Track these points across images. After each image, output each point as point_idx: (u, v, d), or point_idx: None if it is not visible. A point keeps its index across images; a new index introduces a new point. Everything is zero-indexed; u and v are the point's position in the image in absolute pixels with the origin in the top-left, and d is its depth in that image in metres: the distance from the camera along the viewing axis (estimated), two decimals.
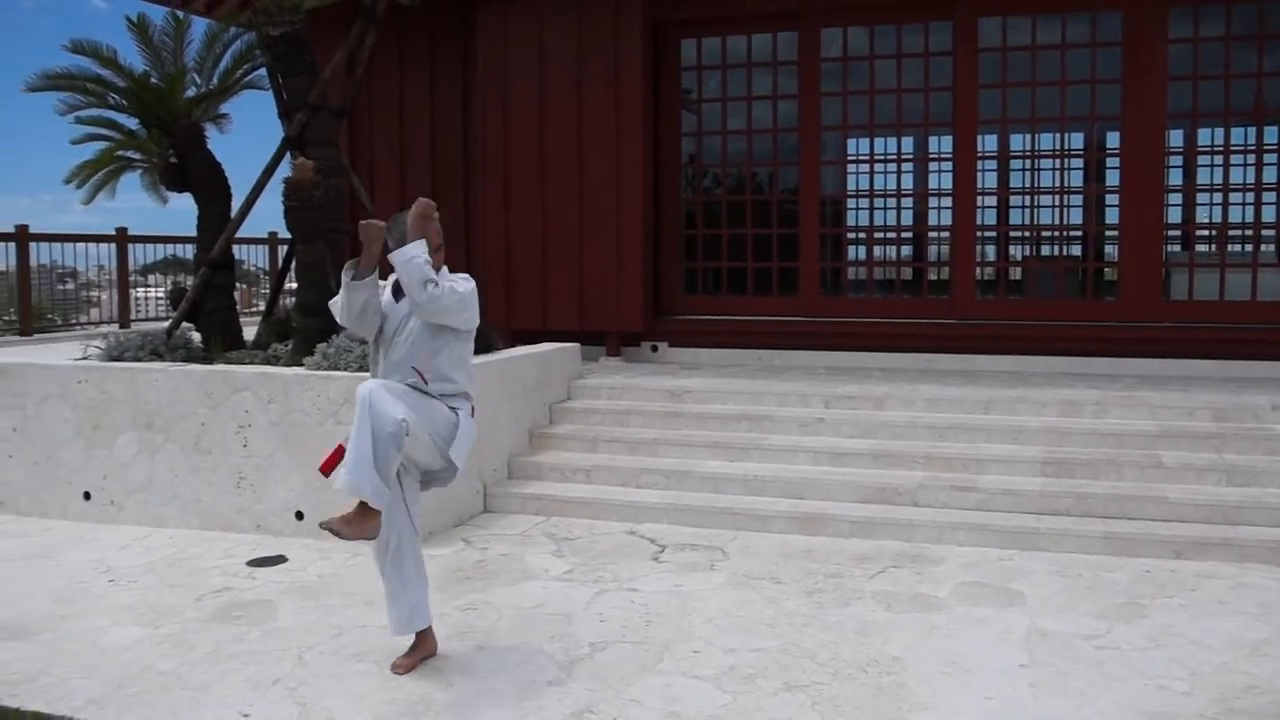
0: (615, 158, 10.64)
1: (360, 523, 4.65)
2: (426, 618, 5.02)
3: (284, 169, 8.28)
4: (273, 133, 8.65)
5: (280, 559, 6.73)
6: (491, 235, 11.00)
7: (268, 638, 5.35)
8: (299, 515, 7.18)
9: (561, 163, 10.78)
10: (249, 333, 9.25)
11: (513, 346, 9.19)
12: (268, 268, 16.72)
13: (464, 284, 4.94)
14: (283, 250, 11.75)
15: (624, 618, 5.60)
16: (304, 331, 7.88)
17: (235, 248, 9.35)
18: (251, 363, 7.92)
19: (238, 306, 9.26)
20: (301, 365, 7.45)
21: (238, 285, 9.86)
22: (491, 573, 6.39)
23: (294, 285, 8.67)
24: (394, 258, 4.73)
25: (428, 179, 11.73)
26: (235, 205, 8.88)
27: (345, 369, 7.13)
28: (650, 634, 5.37)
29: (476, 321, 5.09)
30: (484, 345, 8.49)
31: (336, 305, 4.95)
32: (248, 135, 12.22)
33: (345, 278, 4.84)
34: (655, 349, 11.06)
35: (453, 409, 4.94)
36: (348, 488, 4.54)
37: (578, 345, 9.64)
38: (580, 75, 10.68)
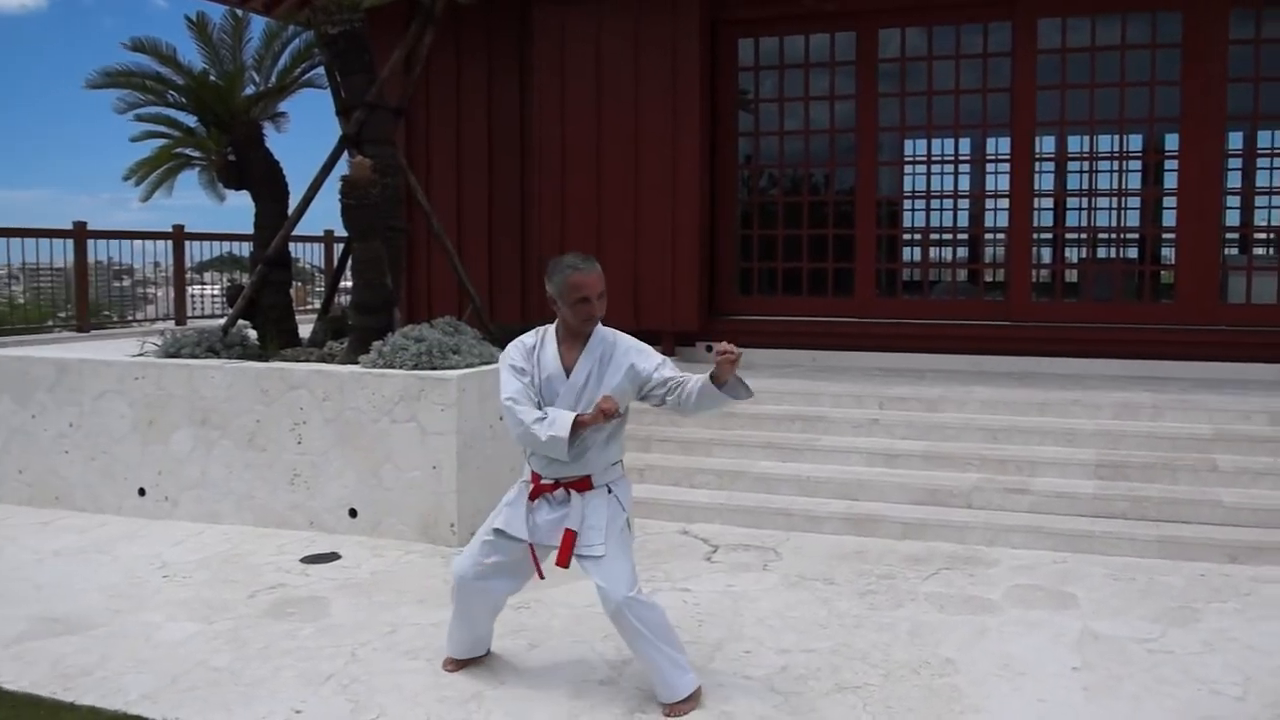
0: (671, 157, 10.65)
1: None
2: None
3: (341, 167, 8.35)
4: (330, 131, 8.74)
5: (333, 556, 6.81)
6: (547, 234, 11.04)
7: (320, 634, 5.41)
8: (352, 513, 7.26)
9: (617, 162, 10.80)
10: (304, 330, 9.34)
11: None
12: (323, 266, 16.89)
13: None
14: (339, 248, 11.87)
15: (676, 617, 5.57)
16: (360, 329, 7.97)
17: (291, 245, 9.43)
18: (307, 360, 8.00)
19: (293, 304, 9.33)
20: (357, 363, 7.53)
21: (293, 283, 9.91)
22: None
23: (350, 283, 8.77)
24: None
25: (485, 177, 11.81)
26: (292, 203, 8.96)
27: (400, 367, 7.20)
28: (702, 634, 5.40)
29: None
30: None
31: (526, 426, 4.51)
32: (306, 133, 12.38)
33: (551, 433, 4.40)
34: (709, 349, 11.05)
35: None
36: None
37: None
38: (637, 74, 10.70)
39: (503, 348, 7.96)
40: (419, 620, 5.59)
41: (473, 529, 6.99)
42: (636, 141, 10.71)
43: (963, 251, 13.49)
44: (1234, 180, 12.64)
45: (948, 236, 13.66)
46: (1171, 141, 10.56)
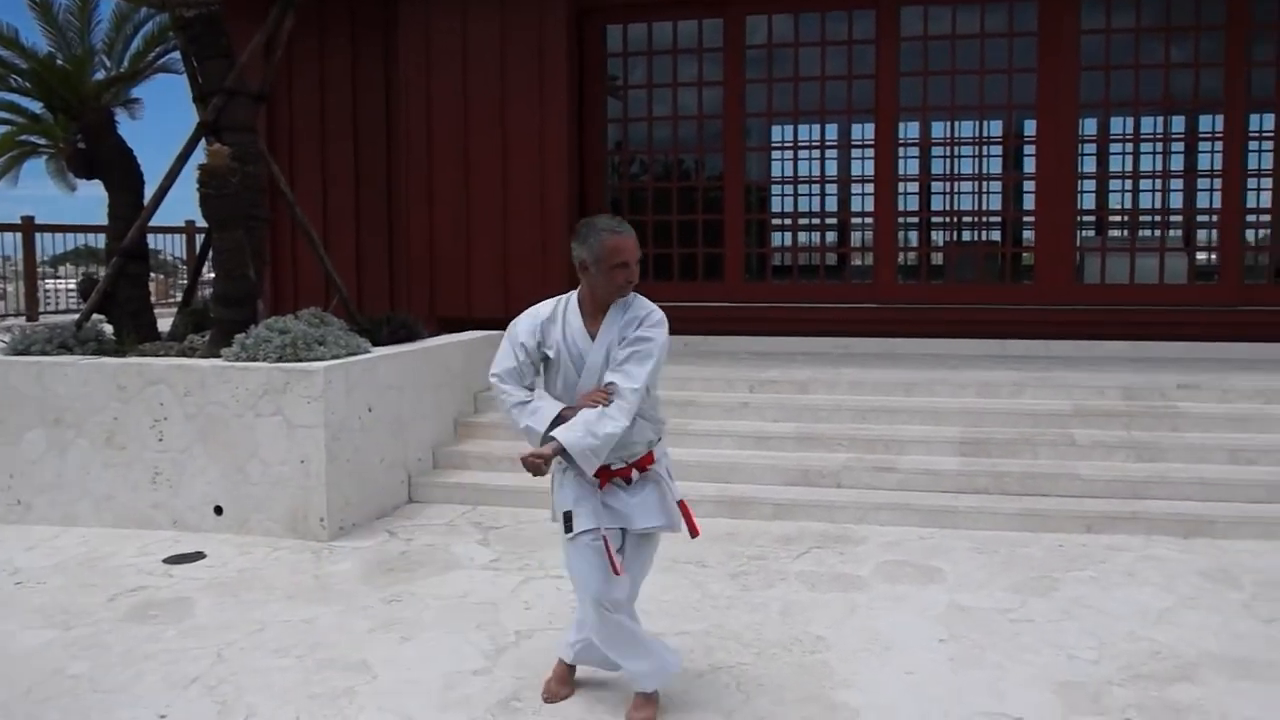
0: (539, 144, 10.60)
1: None
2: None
3: (199, 155, 8.13)
4: (188, 118, 8.51)
5: (199, 555, 6.62)
6: (415, 222, 10.91)
7: (185, 636, 5.26)
8: (218, 510, 7.08)
9: (485, 149, 10.71)
10: (165, 324, 9.09)
11: (437, 335, 9.14)
12: (185, 258, 16.48)
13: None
14: (200, 239, 11.57)
15: (550, 605, 5.62)
16: (222, 322, 7.77)
17: (150, 237, 9.19)
18: (166, 355, 7.76)
19: (152, 298, 9.07)
20: (219, 356, 7.34)
21: (153, 276, 9.64)
22: (416, 563, 6.37)
23: (212, 275, 8.55)
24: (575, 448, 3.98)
25: (350, 166, 11.62)
26: (149, 193, 8.71)
27: (264, 360, 7.04)
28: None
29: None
30: (406, 334, 8.46)
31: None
32: (162, 120, 12.03)
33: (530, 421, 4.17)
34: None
35: None
36: None
37: (503, 333, 9.58)
38: (503, 62, 10.62)
39: (371, 339, 7.95)
40: (288, 617, 5.48)
41: (343, 523, 6.95)
42: (504, 129, 10.64)
43: (831, 236, 13.69)
44: (1089, 165, 13.07)
45: (815, 221, 13.84)
46: (1030, 127, 10.86)
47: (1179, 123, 13.68)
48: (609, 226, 4.09)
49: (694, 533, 4.28)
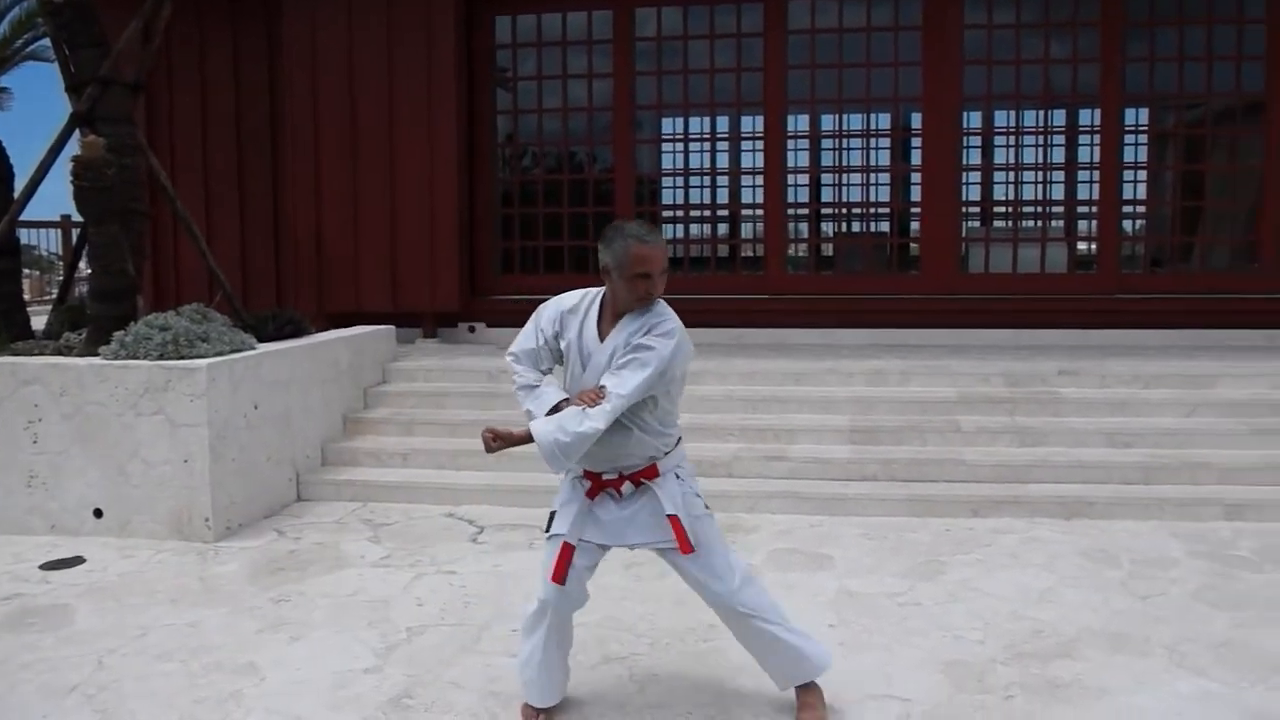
0: (428, 136, 10.51)
1: None
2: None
3: (74, 147, 7.89)
4: (61, 108, 8.25)
5: (78, 560, 6.42)
6: (301, 215, 10.74)
7: (64, 643, 5.09)
8: (98, 513, 6.87)
9: (373, 141, 10.59)
10: (40, 323, 8.82)
11: (325, 330, 9.01)
12: (61, 253, 16.01)
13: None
14: (76, 234, 11.24)
15: (442, 600, 5.58)
16: (99, 319, 7.54)
17: (22, 232, 8.88)
18: (41, 354, 7.50)
19: (26, 295, 8.78)
20: (97, 355, 7.12)
21: (26, 272, 9.33)
22: (305, 562, 6.27)
23: (89, 271, 8.32)
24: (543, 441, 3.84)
25: (234, 157, 11.40)
26: (20, 186, 8.43)
27: (144, 358, 6.85)
28: (469, 615, 5.37)
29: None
30: (293, 330, 8.32)
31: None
32: (33, 111, 11.68)
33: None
34: (473, 330, 10.99)
35: None
36: None
37: (392, 328, 9.50)
38: (391, 49, 10.50)
39: (257, 335, 7.81)
40: (172, 620, 5.35)
41: (229, 523, 6.81)
42: (392, 121, 10.53)
43: (722, 227, 13.75)
44: (974, 157, 13.31)
45: (706, 213, 13.91)
46: (916, 120, 11.03)
47: (1059, 116, 14.00)
48: (637, 234, 3.88)
49: (684, 550, 3.98)
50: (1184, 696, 4.34)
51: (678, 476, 4.08)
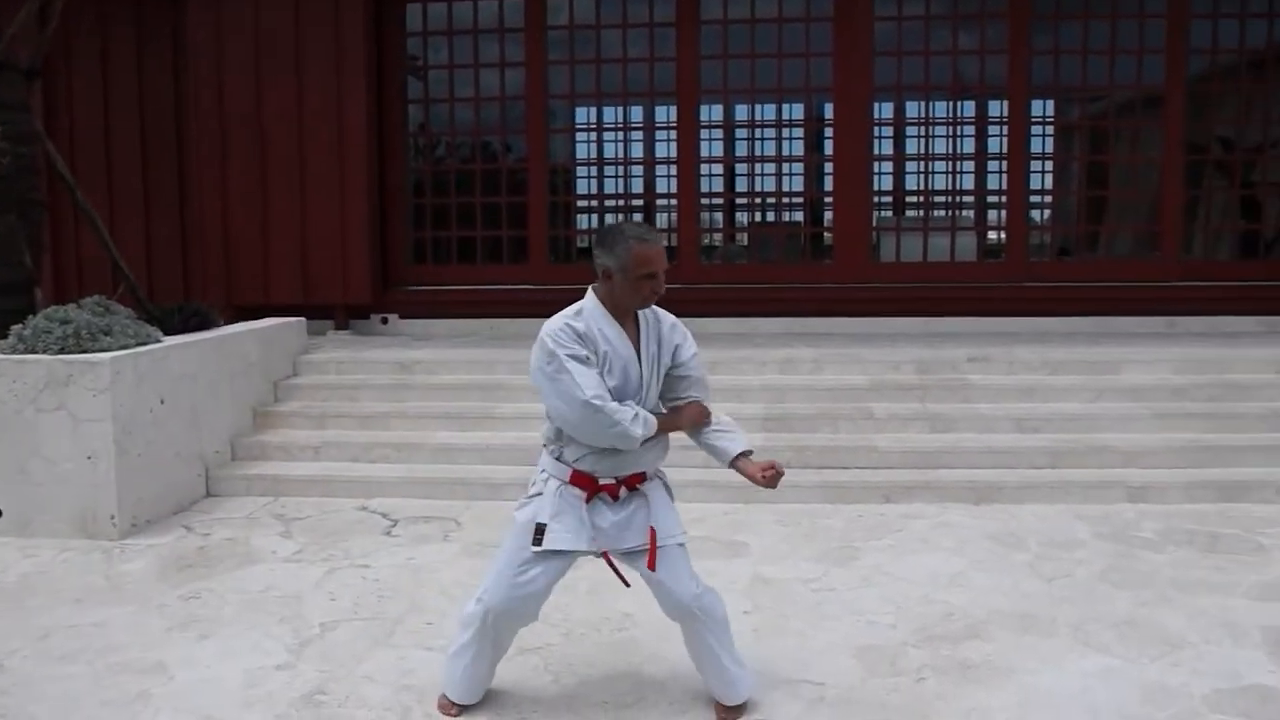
0: (338, 125, 10.39)
1: None
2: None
3: None
4: None
5: None
6: (208, 205, 10.55)
7: None
8: None
9: (282, 130, 10.43)
10: None
11: (233, 322, 8.86)
12: None
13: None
14: None
15: (356, 595, 5.52)
16: None
17: None
18: None
19: None
20: None
21: None
22: (215, 559, 6.16)
23: None
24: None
25: (137, 145, 11.17)
26: None
27: (44, 352, 6.66)
28: (383, 609, 5.32)
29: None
30: (200, 322, 8.18)
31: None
32: None
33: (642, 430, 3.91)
34: (385, 321, 10.89)
35: None
36: None
37: (303, 320, 9.37)
38: (299, 36, 10.35)
39: (163, 328, 7.65)
40: (77, 621, 5.22)
41: (135, 520, 6.67)
42: (301, 109, 10.39)
43: (636, 218, 13.75)
44: (885, 147, 13.46)
45: (620, 203, 13.91)
46: (828, 110, 11.12)
47: (968, 107, 14.20)
48: (637, 234, 3.84)
49: (649, 565, 3.98)
50: (1088, 674, 4.45)
51: (660, 478, 4.20)
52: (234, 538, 6.57)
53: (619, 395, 3.90)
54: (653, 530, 3.99)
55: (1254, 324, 10.23)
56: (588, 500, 3.98)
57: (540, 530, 3.97)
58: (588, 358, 3.86)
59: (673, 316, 4.13)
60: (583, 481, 3.97)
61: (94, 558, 6.23)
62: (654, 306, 4.04)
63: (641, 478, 4.05)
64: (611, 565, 4.06)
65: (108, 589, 5.69)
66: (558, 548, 3.96)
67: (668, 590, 4.03)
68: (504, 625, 4.12)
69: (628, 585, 4.13)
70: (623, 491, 4.02)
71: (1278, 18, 10.49)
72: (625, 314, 3.97)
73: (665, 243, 3.99)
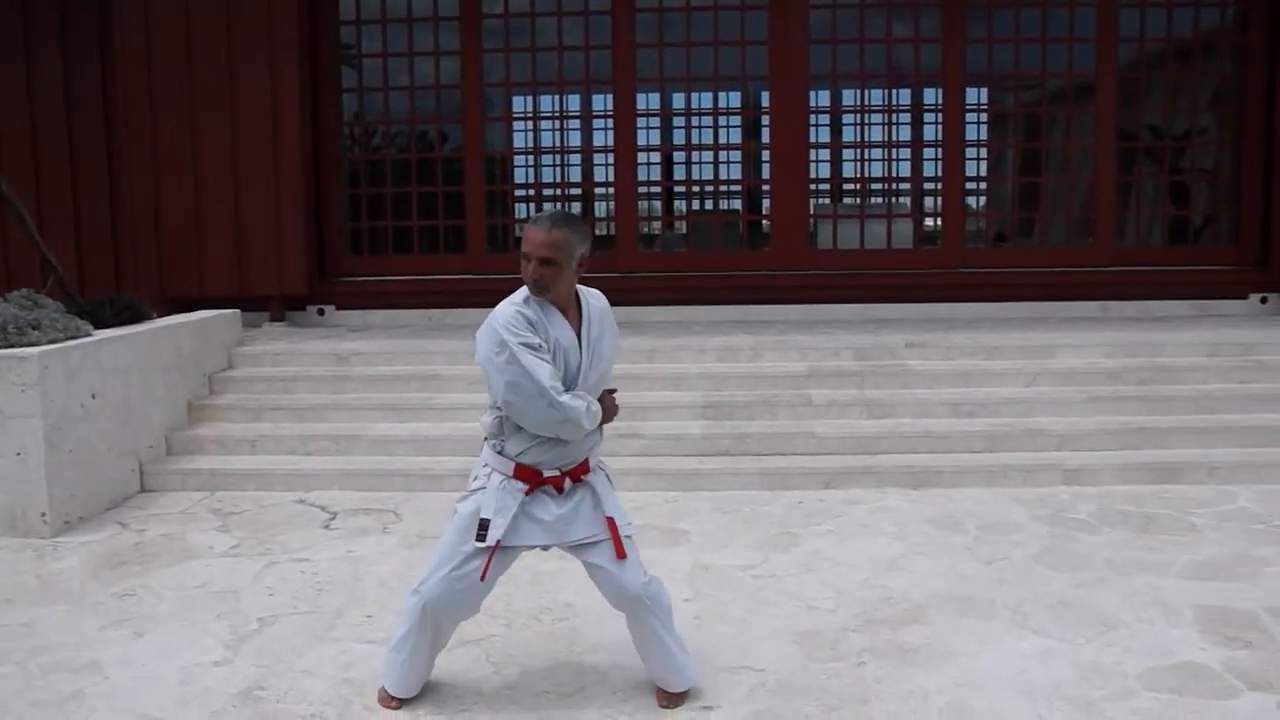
0: (271, 114, 10.24)
1: None
2: None
3: None
4: None
5: None
6: (139, 196, 10.37)
7: None
8: None
9: (214, 121, 10.26)
10: None
11: (167, 315, 8.74)
12: None
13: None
14: None
15: (294, 589, 5.47)
16: None
17: None
18: None
19: None
20: None
21: None
22: (151, 555, 6.08)
23: None
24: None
25: (64, 134, 10.95)
26: None
27: None
28: (322, 602, 5.28)
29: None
30: (132, 315, 8.05)
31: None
32: None
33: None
34: (321, 312, 10.78)
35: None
36: None
37: (238, 311, 9.24)
38: (230, 24, 10.17)
39: (94, 321, 7.52)
40: (6, 621, 5.13)
41: (68, 517, 6.56)
42: (234, 99, 10.23)
43: (575, 207, 13.72)
44: (823, 135, 13.52)
45: (558, 192, 13.88)
46: (765, 98, 11.15)
47: (904, 95, 14.30)
48: (532, 219, 3.96)
49: (619, 555, 3.97)
50: (1026, 655, 4.51)
51: (601, 468, 4.15)
52: (170, 533, 6.48)
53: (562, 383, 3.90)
54: (611, 520, 3.99)
55: (1185, 308, 10.43)
56: (528, 493, 3.96)
57: (484, 526, 3.94)
58: (540, 345, 3.84)
59: (608, 307, 4.18)
60: (526, 475, 3.96)
61: (25, 556, 6.12)
62: (594, 292, 4.09)
63: (586, 468, 4.04)
64: (488, 559, 3.98)
65: (39, 588, 5.59)
66: (506, 543, 3.95)
67: (618, 581, 4.01)
68: (443, 618, 4.11)
69: (481, 579, 4.02)
70: (567, 483, 4.00)
71: (1203, 6, 10.67)
72: (564, 301, 3.98)
73: (558, 231, 3.89)
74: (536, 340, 3.84)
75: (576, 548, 4.04)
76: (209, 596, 5.40)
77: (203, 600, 5.34)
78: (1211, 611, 4.94)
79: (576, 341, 3.97)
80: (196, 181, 10.32)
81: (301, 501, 7.12)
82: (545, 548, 4.10)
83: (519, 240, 11.95)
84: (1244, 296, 10.53)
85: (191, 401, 8.20)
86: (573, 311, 4.01)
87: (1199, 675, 4.31)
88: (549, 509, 3.98)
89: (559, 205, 13.34)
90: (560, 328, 3.94)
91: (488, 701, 4.20)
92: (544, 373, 3.79)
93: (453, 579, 4.01)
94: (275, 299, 10.52)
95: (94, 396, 6.94)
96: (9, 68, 10.92)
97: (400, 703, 4.17)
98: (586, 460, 4.05)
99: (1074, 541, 5.97)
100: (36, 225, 8.48)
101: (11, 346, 6.55)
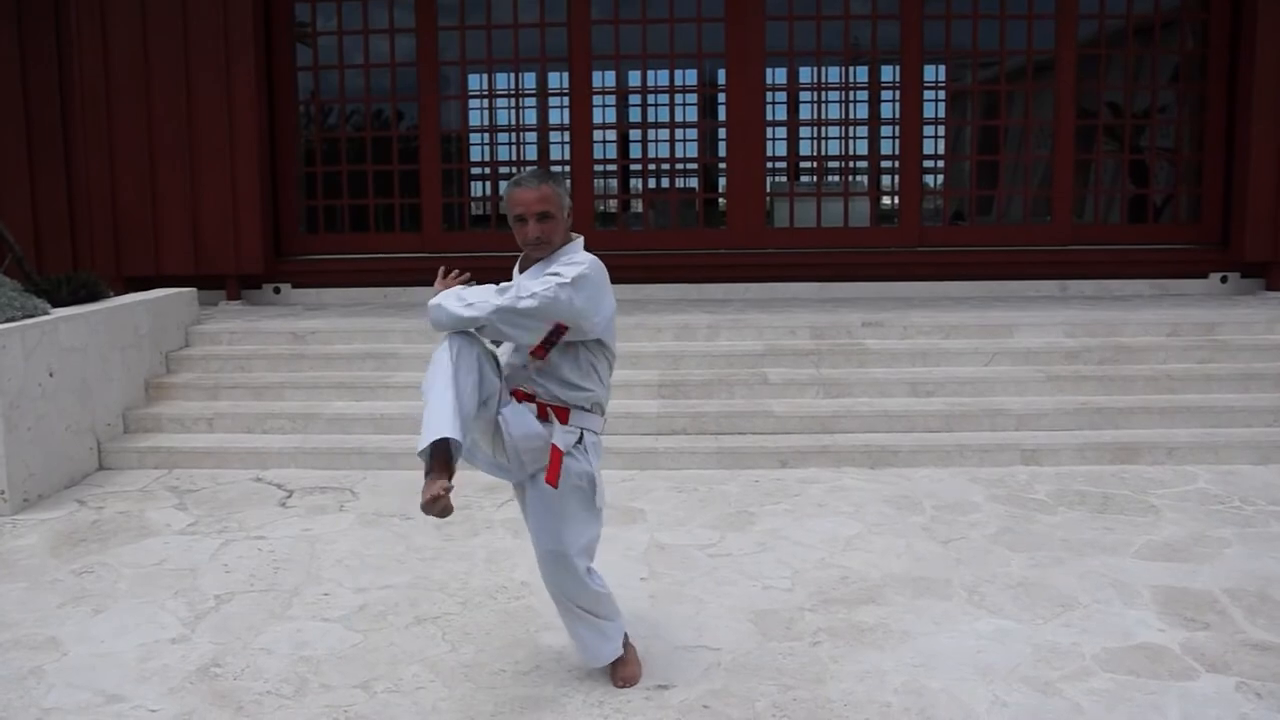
0: (226, 93, 10.15)
1: None
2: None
3: None
4: None
5: None
6: (95, 175, 10.27)
7: None
8: None
9: (169, 97, 10.16)
10: None
11: (123, 294, 8.68)
12: None
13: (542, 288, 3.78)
14: None
15: (251, 567, 5.47)
16: None
17: None
18: None
19: None
20: None
21: None
22: (108, 532, 6.06)
23: None
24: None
25: (20, 116, 10.79)
26: None
27: None
28: (279, 580, 5.28)
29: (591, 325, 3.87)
30: (89, 294, 8.00)
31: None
32: None
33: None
34: (278, 291, 10.73)
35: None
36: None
37: (194, 290, 9.19)
38: (185, 3, 10.07)
39: (50, 300, 7.48)
40: None
41: (27, 495, 6.55)
42: (189, 78, 10.14)
43: None
44: (780, 113, 13.51)
45: (515, 170, 13.82)
46: (721, 76, 11.14)
47: (862, 73, 14.32)
48: (517, 178, 3.93)
49: (549, 478, 3.84)
50: (983, 635, 4.55)
51: (580, 438, 3.96)
52: (127, 511, 6.46)
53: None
54: (555, 449, 3.86)
55: (1145, 287, 10.54)
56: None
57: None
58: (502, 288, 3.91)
59: (583, 257, 3.93)
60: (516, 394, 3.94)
61: None
62: (573, 254, 3.94)
63: (564, 415, 3.93)
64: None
65: None
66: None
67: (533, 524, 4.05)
68: (462, 363, 3.81)
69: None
70: (533, 407, 3.92)
71: None
72: (530, 261, 4.01)
73: (547, 188, 3.87)
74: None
75: (526, 498, 4.02)
76: (167, 574, 5.39)
77: (160, 578, 5.33)
78: (1169, 592, 4.98)
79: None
80: (152, 160, 10.23)
81: (259, 479, 7.10)
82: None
83: (475, 219, 11.98)
84: (1204, 276, 10.63)
85: (149, 380, 8.15)
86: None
87: (1157, 656, 4.34)
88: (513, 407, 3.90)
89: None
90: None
91: (444, 679, 4.22)
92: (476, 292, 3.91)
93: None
94: (231, 278, 10.46)
95: (51, 375, 6.89)
96: None
97: (447, 471, 3.72)
98: (566, 410, 3.92)
99: (1032, 522, 6.02)
100: None
101: None
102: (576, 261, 3.86)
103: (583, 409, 3.97)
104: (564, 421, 3.93)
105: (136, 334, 8.04)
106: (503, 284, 3.98)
